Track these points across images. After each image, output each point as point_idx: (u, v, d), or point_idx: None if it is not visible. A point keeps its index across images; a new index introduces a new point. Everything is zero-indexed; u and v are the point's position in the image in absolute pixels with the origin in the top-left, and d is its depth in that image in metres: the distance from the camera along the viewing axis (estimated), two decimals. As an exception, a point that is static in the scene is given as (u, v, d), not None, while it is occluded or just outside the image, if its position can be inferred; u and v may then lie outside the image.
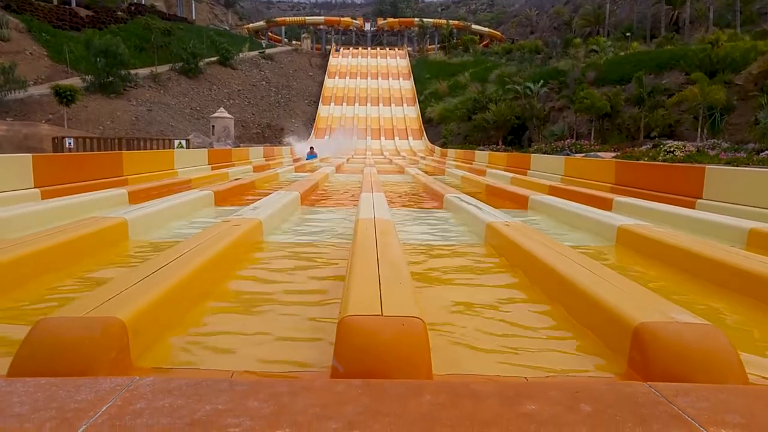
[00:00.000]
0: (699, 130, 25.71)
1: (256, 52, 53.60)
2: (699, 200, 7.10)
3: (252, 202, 6.09)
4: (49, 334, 1.86)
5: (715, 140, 23.18)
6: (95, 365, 1.77)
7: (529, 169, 14.54)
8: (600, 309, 2.32)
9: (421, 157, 29.95)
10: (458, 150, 28.47)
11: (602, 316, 2.29)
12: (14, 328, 2.42)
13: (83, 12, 46.92)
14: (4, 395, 1.36)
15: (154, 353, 2.12)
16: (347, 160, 24.47)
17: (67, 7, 46.87)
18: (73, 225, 4.15)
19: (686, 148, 20.33)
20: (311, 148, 25.30)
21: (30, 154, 7.49)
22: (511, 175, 13.05)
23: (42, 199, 6.81)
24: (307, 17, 75.79)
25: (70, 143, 20.00)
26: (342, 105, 46.98)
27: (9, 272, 2.97)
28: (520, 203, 7.56)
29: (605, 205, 6.85)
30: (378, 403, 1.35)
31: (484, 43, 68.13)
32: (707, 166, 7.51)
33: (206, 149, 17.97)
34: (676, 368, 1.79)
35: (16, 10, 40.63)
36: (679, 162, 17.38)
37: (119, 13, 49.34)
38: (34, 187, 7.14)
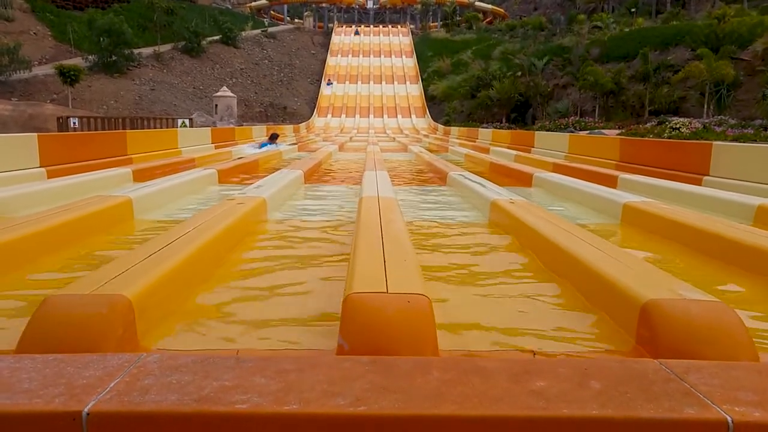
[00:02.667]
0: (705, 106, 25.45)
1: (258, 31, 53.03)
2: (706, 177, 7.05)
3: (256, 181, 6.08)
4: (56, 312, 1.86)
5: (722, 117, 22.95)
6: (102, 342, 1.78)
7: (533, 147, 14.44)
8: (607, 286, 2.30)
9: (424, 135, 29.78)
10: (461, 128, 28.30)
11: (609, 294, 2.27)
12: (22, 306, 2.42)
13: (87, -9, 46.45)
14: (14, 371, 1.36)
15: (160, 330, 2.12)
16: (350, 138, 24.37)
17: (71, -14, 46.39)
18: (78, 204, 4.15)
19: (692, 125, 20.13)
20: (272, 135, 15.88)
21: (35, 134, 7.49)
22: (514, 152, 12.98)
23: (47, 178, 6.82)
24: (309, -5, 74.85)
25: (74, 123, 19.92)
26: (344, 83, 46.61)
27: (16, 251, 2.97)
28: (524, 181, 7.52)
29: (610, 182, 6.81)
30: (385, 380, 1.34)
31: (488, 20, 67.29)
32: (714, 143, 7.45)
33: (209, 128, 17.91)
34: (685, 346, 1.78)
35: (20, -10, 40.30)
36: (685, 139, 17.24)
37: (123, -8, 48.79)
38: (40, 167, 7.14)
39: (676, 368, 1.42)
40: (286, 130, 26.52)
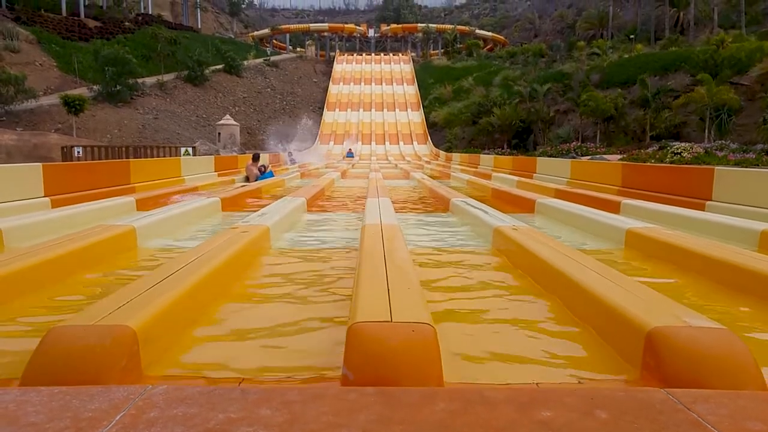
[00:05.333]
0: (706, 131, 25.61)
1: (261, 60, 53.80)
2: (708, 202, 7.05)
3: (259, 209, 6.10)
4: (60, 343, 1.86)
5: (723, 141, 23.06)
6: (106, 373, 1.77)
7: (535, 173, 14.50)
8: (612, 313, 2.29)
9: (426, 161, 29.94)
10: (463, 154, 28.49)
11: (614, 321, 2.26)
12: (26, 336, 2.42)
13: (92, 23, 47.30)
14: (19, 405, 1.36)
15: (165, 361, 2.11)
16: (352, 165, 24.49)
17: (76, 18, 47.26)
18: (82, 233, 4.17)
19: (693, 150, 20.21)
20: (254, 156, 14.11)
21: (40, 164, 7.55)
22: (516, 178, 13.01)
23: (52, 207, 6.85)
24: (311, 24, 76.17)
25: (78, 152, 20.07)
26: (347, 111, 47.08)
27: (20, 281, 2.98)
28: (526, 207, 7.52)
29: (613, 208, 6.81)
30: (391, 411, 1.34)
31: (488, 47, 68.26)
32: (716, 168, 7.46)
33: (212, 156, 18.03)
34: (692, 374, 1.77)
35: (26, 22, 41.13)
36: (686, 164, 17.30)
37: (126, 23, 49.69)
38: (44, 196, 7.19)
39: (683, 398, 1.41)
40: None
